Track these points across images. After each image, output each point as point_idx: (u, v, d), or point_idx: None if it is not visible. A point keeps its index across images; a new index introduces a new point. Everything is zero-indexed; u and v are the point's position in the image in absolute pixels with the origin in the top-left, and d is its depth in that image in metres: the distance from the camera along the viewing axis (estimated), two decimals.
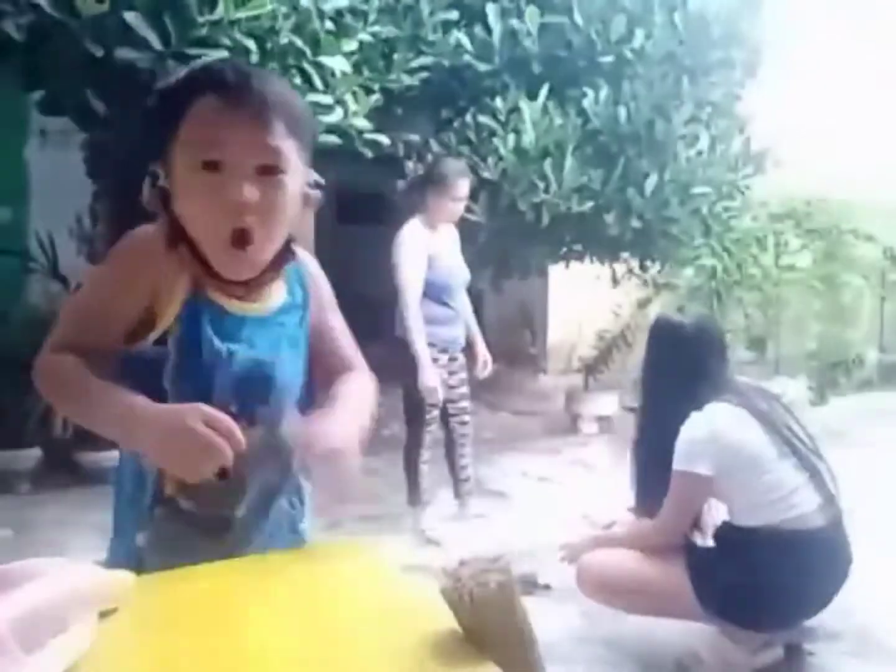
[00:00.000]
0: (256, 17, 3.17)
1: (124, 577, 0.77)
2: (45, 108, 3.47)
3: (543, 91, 4.15)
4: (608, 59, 4.27)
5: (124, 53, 2.99)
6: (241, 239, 0.98)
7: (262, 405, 1.05)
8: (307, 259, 1.21)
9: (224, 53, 3.11)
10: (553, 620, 2.43)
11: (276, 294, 1.11)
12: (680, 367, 2.20)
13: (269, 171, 0.98)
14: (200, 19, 3.05)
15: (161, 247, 1.02)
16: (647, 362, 2.33)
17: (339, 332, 1.22)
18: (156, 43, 2.99)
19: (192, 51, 3.06)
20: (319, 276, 1.22)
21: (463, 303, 3.39)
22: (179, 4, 3.03)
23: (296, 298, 1.14)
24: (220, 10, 3.06)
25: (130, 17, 2.94)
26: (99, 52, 2.95)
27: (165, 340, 1.02)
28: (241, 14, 3.11)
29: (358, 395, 1.13)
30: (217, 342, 1.02)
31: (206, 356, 1.01)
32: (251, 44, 3.15)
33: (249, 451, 0.92)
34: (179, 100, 0.99)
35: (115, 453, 4.04)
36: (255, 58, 3.18)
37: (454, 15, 4.13)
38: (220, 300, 1.04)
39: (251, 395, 1.05)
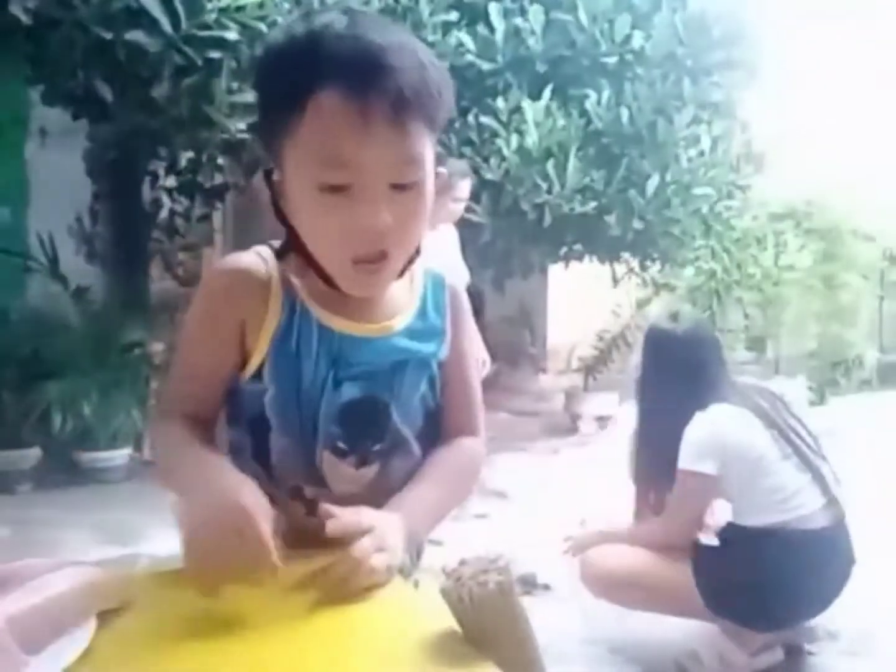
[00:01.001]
0: (260, 6, 3.16)
1: (124, 576, 0.77)
2: (48, 98, 3.44)
3: (547, 91, 4.15)
4: (612, 59, 4.27)
5: (134, 36, 2.97)
6: (374, 259, 0.84)
7: (376, 443, 0.92)
8: (452, 281, 1.01)
9: (235, 35, 3.10)
10: (553, 620, 2.43)
11: (403, 312, 0.94)
12: (676, 375, 2.20)
13: (406, 185, 0.82)
14: (209, 6, 3.05)
15: (244, 278, 0.89)
16: (643, 370, 2.32)
17: (470, 381, 1.02)
18: (166, 26, 2.97)
19: (202, 33, 3.05)
20: (464, 309, 1.02)
21: None
22: None
23: (429, 321, 0.96)
24: None
25: None
26: (108, 36, 2.93)
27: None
28: (245, 1, 3.11)
29: (449, 480, 0.96)
30: (320, 369, 0.89)
31: (306, 386, 0.89)
32: (261, 26, 3.14)
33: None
34: (296, 92, 0.78)
35: (113, 453, 4.04)
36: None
37: (454, 16, 4.13)
38: (326, 318, 0.90)
39: (362, 430, 0.92)
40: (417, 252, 0.92)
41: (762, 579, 2.03)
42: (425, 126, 0.82)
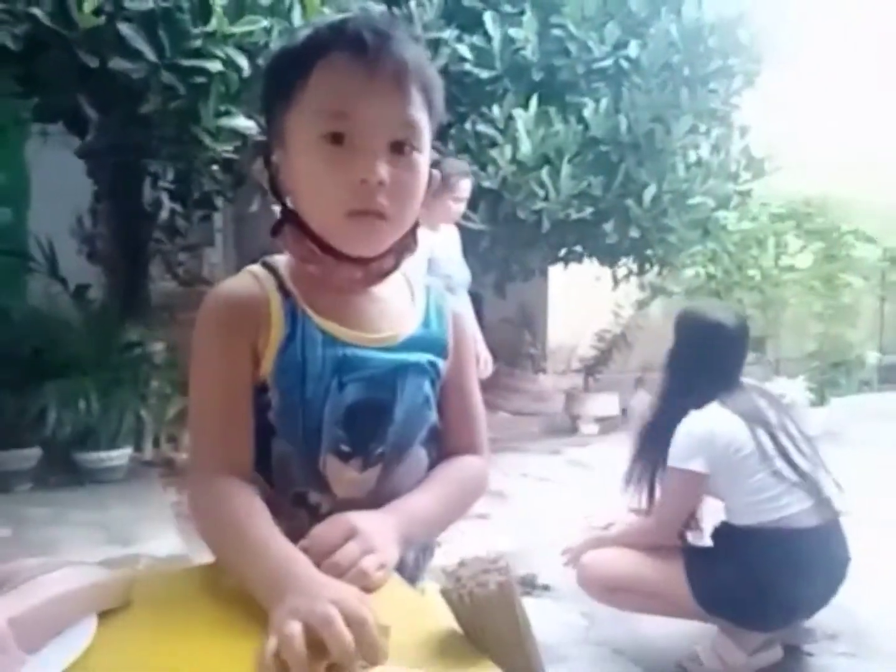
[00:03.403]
0: (250, 34, 3.18)
1: (124, 577, 0.77)
2: (39, 114, 3.48)
3: (534, 100, 4.17)
4: (607, 62, 4.28)
5: (118, 64, 2.99)
6: (369, 215, 0.85)
7: (378, 443, 0.92)
8: (451, 299, 1.03)
9: (218, 65, 3.11)
10: (553, 620, 2.43)
11: (407, 324, 0.95)
12: (707, 363, 2.19)
13: (402, 148, 0.85)
14: (194, 31, 3.06)
15: (244, 301, 0.89)
16: (677, 355, 2.28)
17: (472, 399, 1.03)
18: (150, 54, 3.00)
19: (186, 62, 3.07)
20: (466, 331, 1.03)
21: (463, 304, 3.39)
22: (173, 17, 3.03)
23: (432, 332, 0.97)
24: (213, 23, 3.07)
25: (125, 28, 2.95)
26: (94, 63, 2.96)
27: None
28: (235, 29, 3.12)
29: (449, 492, 0.96)
30: (325, 373, 0.89)
31: (310, 390, 0.89)
32: (243, 61, 3.15)
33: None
34: (303, 60, 0.85)
35: (113, 453, 4.04)
36: (246, 73, 3.19)
37: (446, 34, 4.14)
38: (330, 328, 0.90)
39: (366, 432, 0.92)
40: (414, 240, 0.93)
41: (753, 578, 2.04)
42: (423, 102, 0.87)
